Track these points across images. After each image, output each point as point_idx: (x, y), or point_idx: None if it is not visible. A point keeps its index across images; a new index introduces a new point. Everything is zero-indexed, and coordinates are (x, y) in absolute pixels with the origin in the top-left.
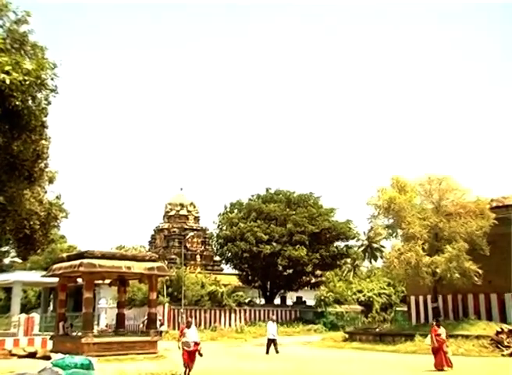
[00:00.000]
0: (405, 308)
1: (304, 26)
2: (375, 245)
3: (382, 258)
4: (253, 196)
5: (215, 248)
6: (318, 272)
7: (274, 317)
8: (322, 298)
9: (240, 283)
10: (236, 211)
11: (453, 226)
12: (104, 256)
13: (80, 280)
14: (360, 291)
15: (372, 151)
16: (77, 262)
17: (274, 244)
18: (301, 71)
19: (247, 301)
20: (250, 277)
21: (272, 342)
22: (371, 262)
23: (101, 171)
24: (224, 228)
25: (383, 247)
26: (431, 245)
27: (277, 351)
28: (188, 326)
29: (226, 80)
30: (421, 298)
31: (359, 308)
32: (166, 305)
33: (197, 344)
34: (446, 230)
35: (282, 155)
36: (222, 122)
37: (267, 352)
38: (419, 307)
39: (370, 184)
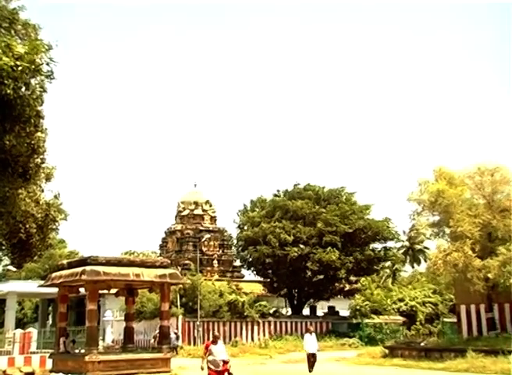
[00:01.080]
0: (454, 320)
1: (313, 16)
2: (417, 247)
3: (425, 261)
4: (278, 192)
5: (234, 252)
6: (353, 278)
7: (312, 328)
8: (358, 307)
9: (264, 292)
10: (257, 209)
11: (508, 224)
12: (109, 263)
13: (82, 290)
14: (401, 300)
15: (411, 139)
16: (79, 269)
17: (302, 246)
18: (329, 57)
19: (271, 311)
20: (275, 285)
21: (312, 357)
22: (413, 267)
23: (105, 167)
24: (245, 229)
25: (427, 248)
26: (483, 246)
27: (311, 369)
28: (214, 341)
29: (248, 68)
30: (472, 308)
31: (400, 319)
32: (180, 317)
33: (226, 362)
34: (501, 229)
35: (309, 146)
36: (240, 111)
37: (310, 370)
38: (471, 318)
39: (410, 177)
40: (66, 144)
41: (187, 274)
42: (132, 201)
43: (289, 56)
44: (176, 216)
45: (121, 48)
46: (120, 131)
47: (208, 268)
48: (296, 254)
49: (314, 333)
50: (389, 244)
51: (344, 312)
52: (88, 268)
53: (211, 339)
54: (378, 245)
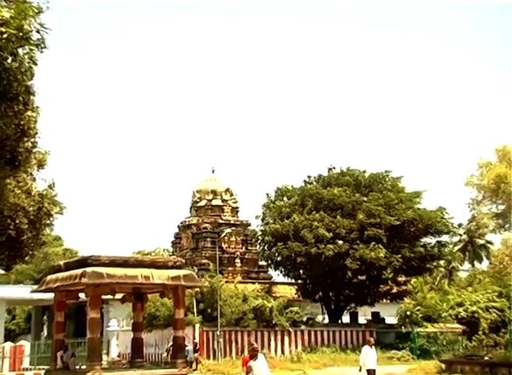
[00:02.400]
0: None
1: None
2: (478, 241)
3: (488, 258)
4: (309, 178)
5: (259, 249)
6: (401, 279)
7: (373, 340)
8: (408, 314)
9: (295, 296)
10: (285, 199)
11: None
12: (113, 263)
13: (82, 296)
14: (460, 305)
15: (469, 113)
16: (78, 271)
17: (339, 242)
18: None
19: (304, 319)
20: (308, 287)
21: (372, 374)
22: (473, 265)
23: (109, 153)
24: (272, 222)
25: (490, 243)
26: None
27: None
28: (253, 355)
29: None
30: None
31: (459, 327)
32: (197, 326)
33: None
34: None
35: (344, 124)
36: (262, 88)
37: None
38: None
39: (469, 158)
40: (63, 126)
41: (205, 276)
42: (140, 192)
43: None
44: (190, 208)
45: (136, 36)
46: (127, 113)
47: (230, 268)
48: (332, 252)
49: (373, 347)
50: (444, 238)
51: (391, 320)
52: (89, 269)
53: (247, 352)
54: (430, 240)
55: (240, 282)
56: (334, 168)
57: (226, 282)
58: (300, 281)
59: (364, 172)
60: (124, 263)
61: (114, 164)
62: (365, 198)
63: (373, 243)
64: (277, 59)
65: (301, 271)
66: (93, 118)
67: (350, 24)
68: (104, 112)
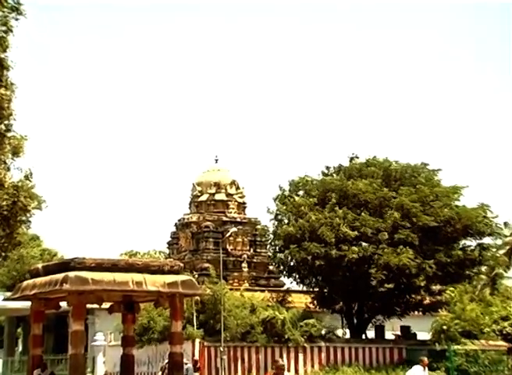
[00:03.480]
0: None
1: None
2: None
3: None
4: (327, 169)
5: (270, 252)
6: (436, 287)
7: (426, 360)
8: (443, 328)
9: (312, 306)
10: (301, 193)
11: None
12: (100, 267)
13: (64, 305)
14: (505, 318)
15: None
16: (59, 276)
17: (364, 244)
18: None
19: (322, 333)
20: (327, 296)
21: None
22: None
23: (97, 140)
24: (285, 220)
25: None
26: None
27: None
28: (278, 374)
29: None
30: None
31: (504, 345)
32: (198, 340)
33: None
34: None
35: (367, 109)
36: (272, 70)
37: None
38: None
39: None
40: (44, 108)
41: (206, 282)
42: (131, 185)
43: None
44: (190, 203)
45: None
46: (118, 95)
47: (235, 273)
48: (356, 255)
49: (426, 368)
50: (487, 240)
51: (423, 335)
52: (72, 274)
53: (271, 370)
54: (470, 242)
55: (248, 290)
56: (357, 157)
57: (231, 289)
58: (317, 289)
59: (396, 162)
60: (113, 267)
61: (102, 153)
62: (395, 193)
63: (403, 246)
64: (291, 44)
65: (319, 277)
66: (80, 100)
67: (352, 23)
68: (94, 95)
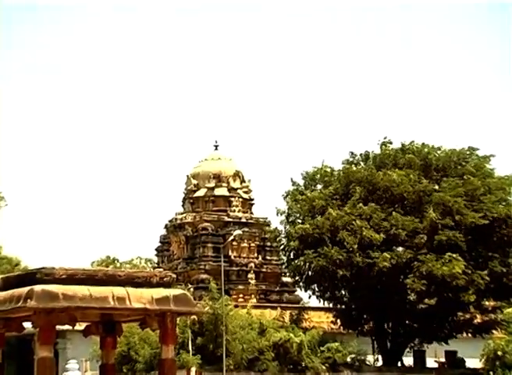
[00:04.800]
0: None
1: None
2: None
3: None
4: (353, 157)
5: (283, 259)
6: (488, 303)
7: None
8: (499, 354)
9: (335, 326)
10: (319, 187)
11: None
12: (73, 279)
13: (28, 326)
14: None
15: None
16: (23, 290)
17: (399, 250)
18: None
19: (348, 360)
20: (353, 314)
21: None
22: None
23: (71, 127)
24: (299, 220)
25: None
26: None
27: None
28: None
29: None
30: None
31: None
32: (194, 369)
33: None
34: None
35: (404, 83)
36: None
37: None
38: None
39: None
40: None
41: (205, 297)
42: (111, 179)
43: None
44: (184, 200)
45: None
46: (96, 78)
47: (240, 286)
48: (388, 263)
49: None
50: None
51: (474, 362)
52: (38, 288)
53: None
54: None
55: (256, 306)
56: (390, 142)
57: (235, 306)
58: (341, 305)
59: (437, 149)
60: (88, 279)
61: (75, 140)
62: (437, 186)
63: (447, 252)
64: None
65: (343, 290)
66: (57, 81)
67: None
68: (70, 79)
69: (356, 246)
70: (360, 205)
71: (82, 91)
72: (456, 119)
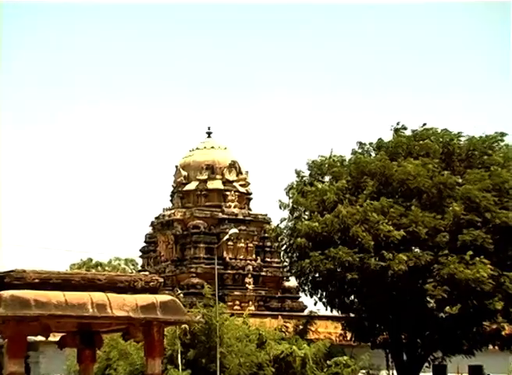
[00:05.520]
0: None
1: None
2: None
3: None
4: (363, 146)
5: (286, 261)
6: None
7: None
8: None
9: (345, 338)
10: (327, 179)
11: None
12: (47, 283)
13: None
14: None
15: None
16: None
17: (417, 250)
18: None
19: None
20: (365, 324)
21: None
22: None
23: (49, 113)
24: (305, 216)
25: None
26: None
27: None
28: None
29: None
30: None
31: None
32: None
33: None
34: None
35: (418, 59)
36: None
37: None
38: None
39: None
40: None
41: (197, 304)
42: (90, 168)
43: None
44: (172, 194)
45: None
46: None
47: (237, 292)
48: (404, 266)
49: None
50: None
51: None
52: (7, 294)
53: None
54: None
55: (254, 315)
56: (404, 128)
57: (231, 315)
58: (351, 314)
59: (459, 135)
60: (64, 284)
61: (50, 127)
62: (460, 179)
63: (472, 253)
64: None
65: (354, 297)
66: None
67: None
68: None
69: (372, 243)
70: (376, 198)
71: (61, 73)
72: (476, 104)
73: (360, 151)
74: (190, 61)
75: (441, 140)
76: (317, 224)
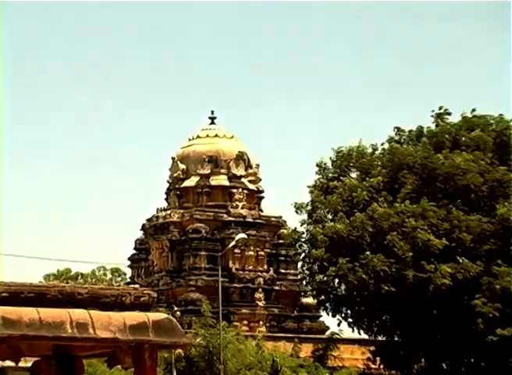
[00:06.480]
0: None
1: None
2: None
3: None
4: (400, 134)
5: (304, 273)
6: None
7: None
8: None
9: (374, 365)
10: (356, 173)
11: None
12: (17, 298)
13: None
14: None
15: None
16: None
17: (464, 260)
18: None
19: None
20: (399, 350)
21: None
22: None
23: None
24: (328, 217)
25: None
26: None
27: None
28: None
29: None
30: None
31: None
32: None
33: None
34: None
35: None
36: None
37: None
38: None
39: None
40: None
41: (197, 323)
42: (70, 161)
43: None
44: (168, 192)
45: None
46: None
47: (244, 310)
48: (448, 279)
49: None
50: None
51: None
52: None
53: None
54: None
55: (266, 337)
56: (448, 113)
57: (237, 338)
58: (382, 337)
59: None
60: (38, 298)
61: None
62: None
63: None
64: None
65: (386, 315)
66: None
67: None
68: None
69: (410, 254)
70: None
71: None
72: None
73: (397, 138)
74: (192, 35)
75: (493, 128)
76: (343, 226)
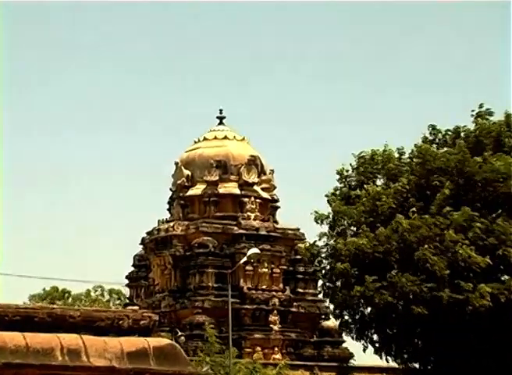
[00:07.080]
0: None
1: None
2: None
3: None
4: (434, 134)
5: (324, 291)
6: None
7: None
8: None
9: None
10: (380, 178)
11: None
12: (2, 320)
13: None
14: None
15: None
16: None
17: (506, 278)
18: None
19: None
20: None
21: None
22: None
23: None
24: (350, 229)
25: None
26: None
27: None
28: None
29: None
30: None
31: None
32: None
33: None
34: None
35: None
36: None
37: None
38: None
39: None
40: None
41: (204, 349)
42: (62, 168)
43: None
44: (171, 201)
45: None
46: None
47: (257, 335)
48: (489, 300)
49: None
50: None
51: None
52: None
53: None
54: None
55: (285, 364)
56: (490, 114)
57: (251, 365)
58: (413, 365)
59: None
60: (24, 322)
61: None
62: None
63: None
64: None
65: (418, 341)
66: None
67: None
68: None
69: (447, 272)
70: (447, 209)
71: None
72: None
73: (431, 138)
74: (202, 30)
75: None
76: (366, 241)
